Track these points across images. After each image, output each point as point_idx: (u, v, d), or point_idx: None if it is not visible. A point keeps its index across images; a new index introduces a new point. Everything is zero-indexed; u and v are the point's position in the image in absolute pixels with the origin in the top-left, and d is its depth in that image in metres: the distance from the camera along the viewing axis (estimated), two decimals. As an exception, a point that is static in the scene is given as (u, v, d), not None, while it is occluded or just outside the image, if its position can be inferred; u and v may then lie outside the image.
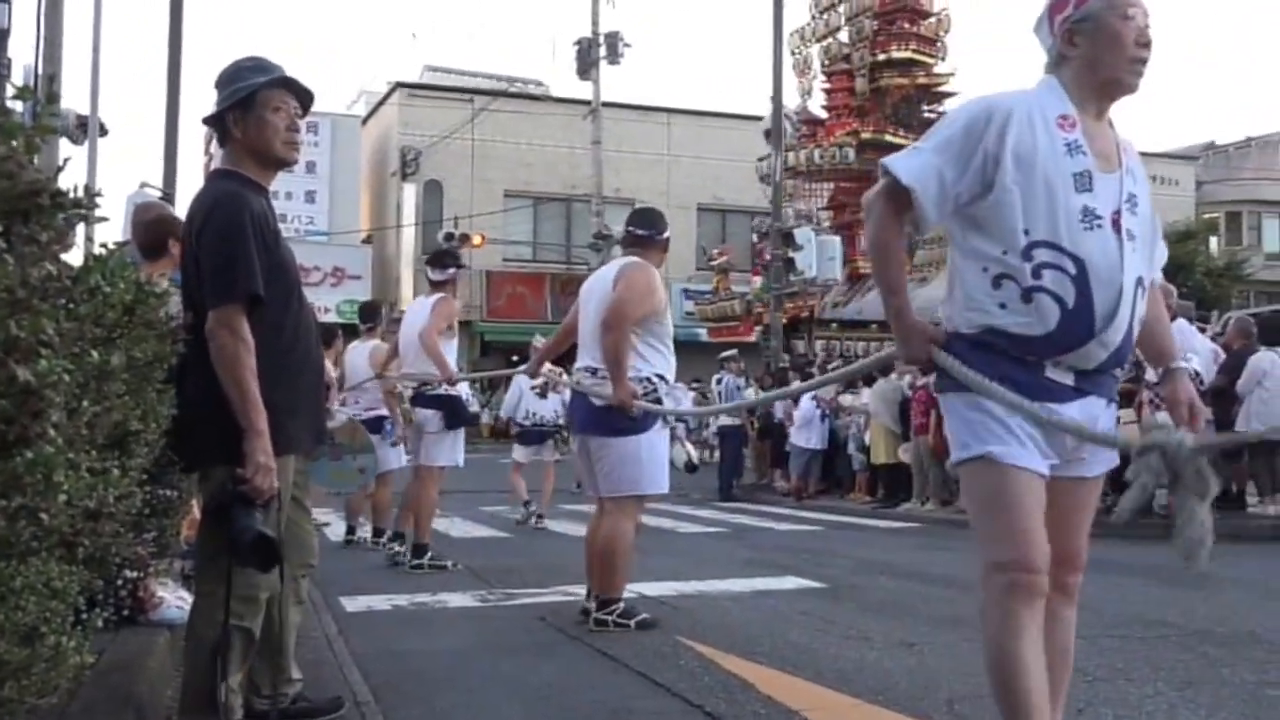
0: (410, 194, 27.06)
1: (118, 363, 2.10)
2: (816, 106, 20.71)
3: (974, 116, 2.19)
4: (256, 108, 2.67)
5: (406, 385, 6.48)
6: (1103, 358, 2.18)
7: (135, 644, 3.29)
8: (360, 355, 7.52)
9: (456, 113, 27.02)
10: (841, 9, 19.93)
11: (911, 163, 2.19)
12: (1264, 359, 8.38)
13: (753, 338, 19.44)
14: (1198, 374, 8.11)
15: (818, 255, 16.04)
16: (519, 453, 9.43)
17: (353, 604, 5.20)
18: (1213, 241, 32.58)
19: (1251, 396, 8.31)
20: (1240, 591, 5.52)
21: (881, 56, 19.35)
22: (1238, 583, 5.78)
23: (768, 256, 19.45)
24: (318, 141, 27.03)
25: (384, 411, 6.94)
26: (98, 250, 2.30)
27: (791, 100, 20.10)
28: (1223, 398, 8.56)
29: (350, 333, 8.20)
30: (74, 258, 2.13)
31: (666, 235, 4.87)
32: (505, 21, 71.03)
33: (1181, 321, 8.33)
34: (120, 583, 3.39)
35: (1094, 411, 2.24)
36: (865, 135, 19.23)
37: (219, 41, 76.41)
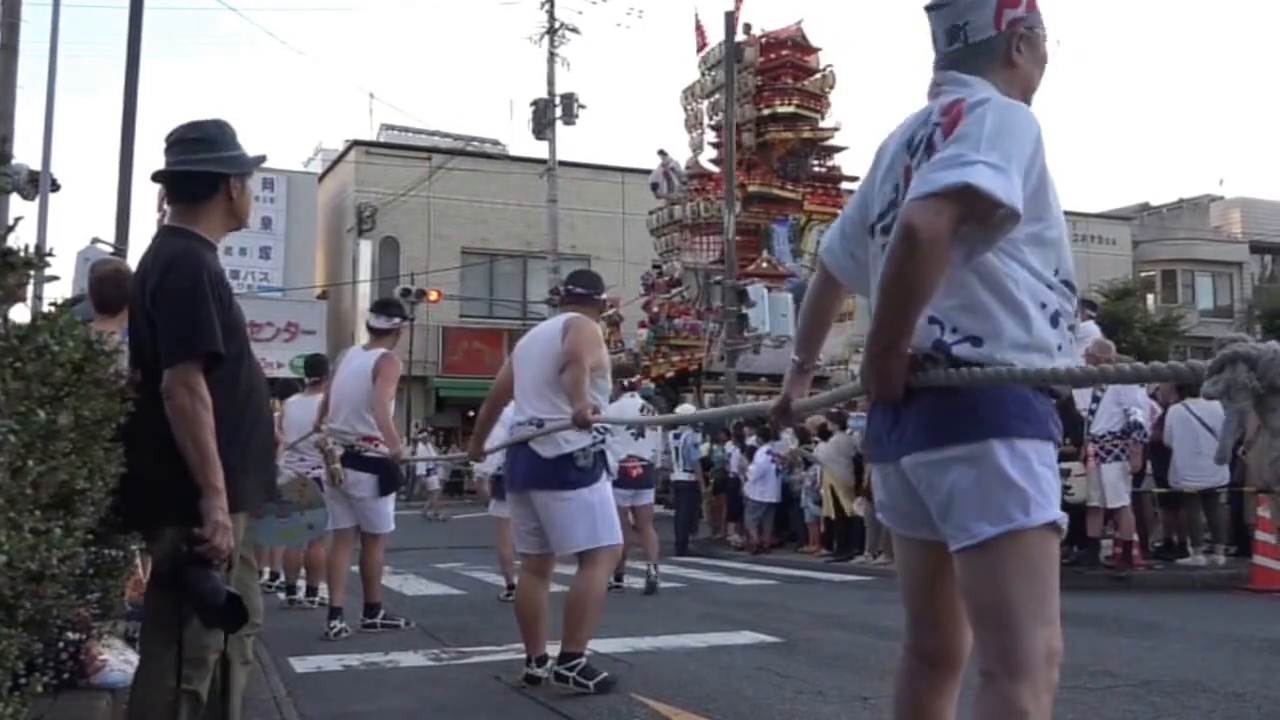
0: (366, 250, 27.03)
1: (65, 422, 2.09)
2: (707, 160, 21.07)
3: (1037, 134, 1.90)
4: (247, 178, 2.75)
5: (337, 442, 5.97)
6: None
7: (75, 709, 3.20)
8: (305, 410, 7.09)
9: (413, 170, 27.15)
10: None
11: (1006, 184, 1.78)
12: (1173, 413, 8.66)
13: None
14: (1140, 426, 8.33)
15: (770, 311, 16.22)
16: (496, 507, 7.76)
17: (302, 664, 5.10)
18: (1149, 299, 33.55)
19: (1177, 450, 8.57)
20: (1184, 641, 5.62)
21: (766, 111, 19.69)
22: (1181, 632, 5.88)
23: (655, 309, 19.55)
24: (274, 198, 27.00)
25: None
26: (46, 308, 2.29)
27: (682, 154, 20.53)
28: (1161, 451, 8.80)
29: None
30: (19, 313, 2.12)
31: (604, 296, 4.90)
32: (463, 82, 71.85)
33: (1125, 376, 8.56)
34: (62, 645, 3.31)
35: None
36: (752, 188, 19.53)
37: (175, 96, 76.30)
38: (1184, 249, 36.71)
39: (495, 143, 32.07)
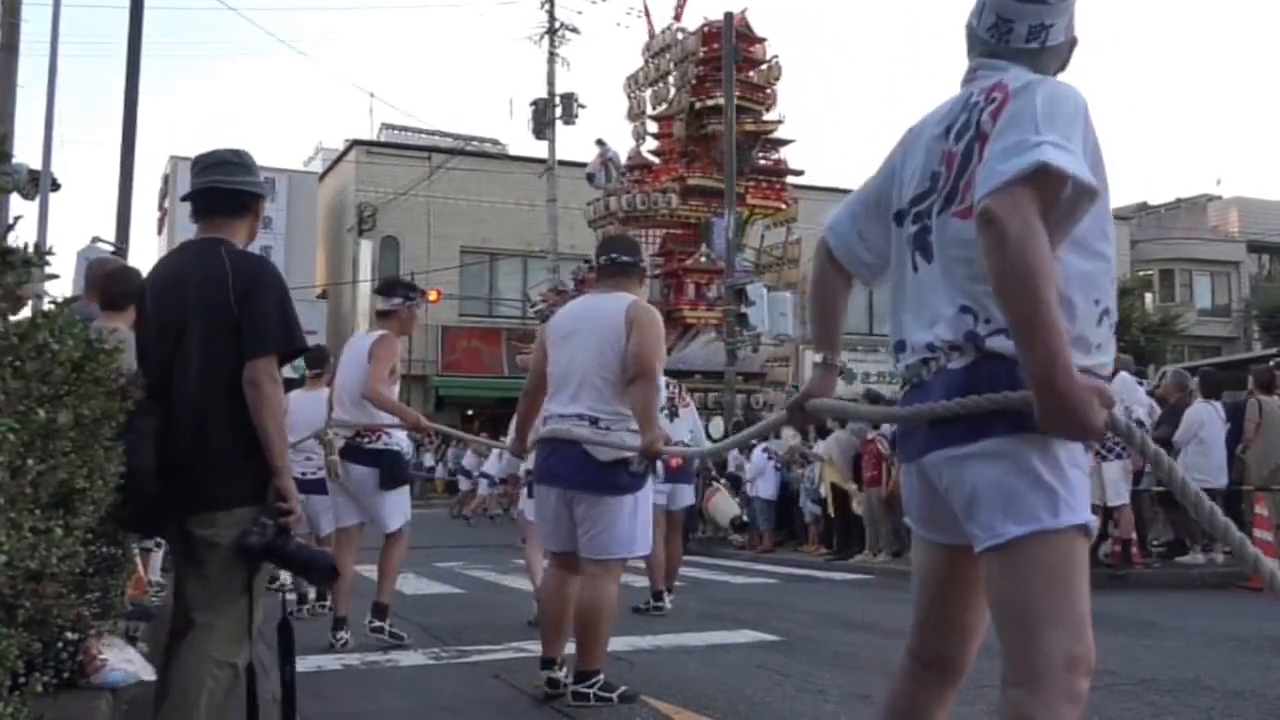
0: (367, 250, 27.05)
1: (64, 421, 2.10)
2: (647, 151, 20.71)
3: (1086, 112, 1.81)
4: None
5: (338, 434, 5.52)
6: None
7: (75, 709, 3.20)
8: (309, 405, 6.32)
9: (413, 170, 27.16)
10: (669, 54, 19.95)
11: (1074, 160, 1.71)
12: (1200, 410, 8.63)
13: None
14: (1142, 423, 8.35)
15: (769, 311, 16.23)
16: (529, 505, 6.43)
17: (302, 663, 5.05)
18: (1148, 298, 33.55)
19: (1188, 447, 8.55)
20: (1182, 639, 5.63)
21: (709, 102, 19.22)
22: (1180, 630, 5.89)
23: None
24: (274, 197, 26.98)
25: None
26: (46, 306, 2.29)
27: (625, 144, 20.23)
28: (1163, 448, 8.82)
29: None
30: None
31: (646, 264, 4.49)
32: (463, 82, 71.85)
33: (1124, 374, 8.56)
34: (61, 645, 3.31)
35: None
36: (692, 181, 19.10)
37: (175, 96, 76.36)
38: (1182, 248, 36.72)
39: (495, 142, 32.07)
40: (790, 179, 20.53)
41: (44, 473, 2.01)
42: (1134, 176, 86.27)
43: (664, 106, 20.28)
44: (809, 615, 6.83)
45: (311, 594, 7.32)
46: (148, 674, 3.60)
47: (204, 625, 2.72)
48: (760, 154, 20.06)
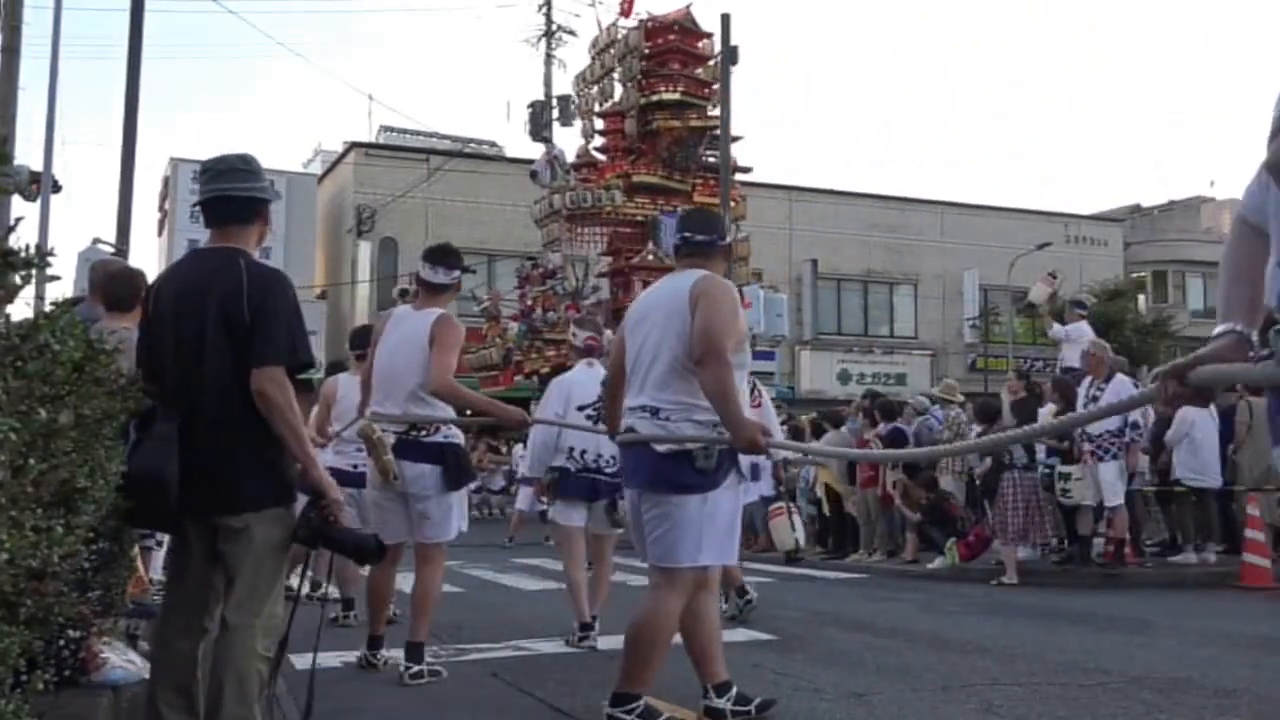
0: (365, 251, 27.08)
1: (66, 420, 2.13)
2: (594, 149, 20.64)
3: None
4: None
5: (389, 430, 4.63)
6: None
7: (77, 707, 3.23)
8: (355, 390, 5.42)
9: (412, 172, 27.18)
10: (614, 51, 19.77)
11: None
12: (1192, 411, 8.67)
13: (512, 386, 18.78)
14: (1138, 425, 8.40)
15: (765, 312, 16.26)
16: (564, 512, 5.72)
17: (302, 661, 5.11)
18: (1141, 299, 33.59)
19: (1180, 447, 8.63)
20: (1175, 637, 5.66)
21: (654, 98, 19.05)
22: (1173, 629, 5.92)
23: (529, 302, 19.00)
24: (274, 199, 26.97)
25: None
26: (48, 307, 2.32)
27: (574, 142, 20.21)
28: (1156, 448, 8.90)
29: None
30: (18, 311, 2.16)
31: (729, 240, 4.00)
32: (461, 85, 71.87)
33: (1121, 376, 8.61)
34: (63, 643, 3.34)
35: None
36: (638, 178, 18.90)
37: (176, 98, 76.38)
38: (1175, 250, 36.73)
39: (492, 144, 32.10)
40: (739, 175, 20.37)
41: (45, 472, 2.04)
42: (1127, 178, 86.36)
43: (609, 103, 20.05)
44: (804, 614, 6.86)
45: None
46: (149, 672, 3.63)
47: (248, 627, 2.86)
48: (707, 151, 19.80)
